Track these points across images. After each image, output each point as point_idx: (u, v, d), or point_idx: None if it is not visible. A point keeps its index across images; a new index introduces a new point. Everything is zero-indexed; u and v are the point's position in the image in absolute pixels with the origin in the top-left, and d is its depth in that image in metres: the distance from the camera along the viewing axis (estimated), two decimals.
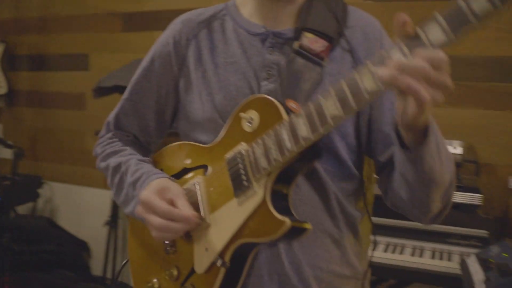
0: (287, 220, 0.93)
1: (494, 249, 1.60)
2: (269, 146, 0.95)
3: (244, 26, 1.15)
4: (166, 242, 1.15)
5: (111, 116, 1.29)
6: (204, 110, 1.14)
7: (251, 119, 1.02)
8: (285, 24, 1.14)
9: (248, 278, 1.07)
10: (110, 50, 3.48)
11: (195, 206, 1.07)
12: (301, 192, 1.07)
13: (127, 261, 1.31)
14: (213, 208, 1.07)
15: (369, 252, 1.23)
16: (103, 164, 1.25)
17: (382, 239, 2.26)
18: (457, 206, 2.14)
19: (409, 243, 2.24)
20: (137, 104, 1.24)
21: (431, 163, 0.90)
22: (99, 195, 3.65)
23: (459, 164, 2.27)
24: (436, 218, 1.05)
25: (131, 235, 1.29)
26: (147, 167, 1.18)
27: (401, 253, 2.19)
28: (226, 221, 1.03)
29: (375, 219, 2.08)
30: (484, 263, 1.54)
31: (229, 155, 1.05)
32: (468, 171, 2.35)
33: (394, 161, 1.06)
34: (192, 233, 1.10)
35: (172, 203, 1.04)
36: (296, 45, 1.08)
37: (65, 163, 3.79)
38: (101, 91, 2.89)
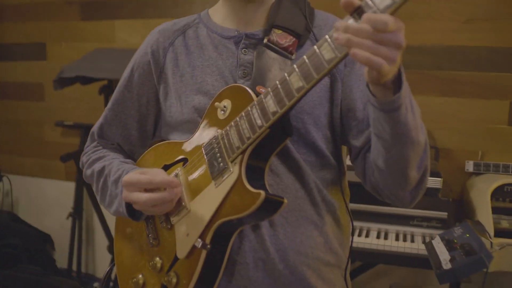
0: (262, 192, 0.97)
1: (457, 230, 1.69)
2: (242, 127, 1.01)
3: (217, 31, 1.21)
4: (149, 235, 1.18)
5: (95, 127, 1.34)
6: (183, 112, 1.18)
7: (224, 107, 1.08)
8: (257, 25, 1.20)
9: (233, 266, 1.11)
10: (68, 39, 3.41)
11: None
12: (282, 182, 1.12)
13: (113, 265, 1.34)
14: (193, 195, 1.10)
15: (349, 239, 1.27)
16: (89, 171, 1.30)
17: None
18: None
19: (374, 226, 2.33)
20: (120, 114, 1.28)
21: (406, 115, 0.92)
22: (60, 187, 3.60)
23: None
24: (415, 192, 1.08)
25: (117, 240, 1.32)
26: (129, 166, 1.21)
27: (367, 236, 2.27)
28: (205, 204, 1.06)
29: None
30: (448, 244, 1.63)
31: (205, 142, 1.10)
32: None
33: (369, 141, 1.11)
34: (173, 221, 1.13)
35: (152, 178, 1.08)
36: (265, 40, 1.14)
37: (24, 155, 3.70)
38: (63, 82, 2.84)
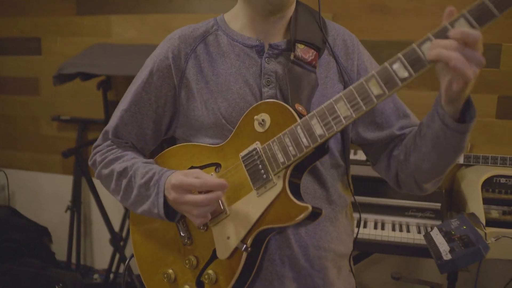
0: (309, 206, 1.09)
1: (454, 222, 1.79)
2: (286, 144, 1.11)
3: (238, 39, 1.27)
4: (183, 234, 1.25)
5: (110, 126, 1.36)
6: (210, 116, 1.24)
7: (262, 121, 1.15)
8: (277, 37, 1.28)
9: (261, 262, 1.22)
10: (64, 34, 3.41)
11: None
12: (302, 183, 1.21)
13: (132, 256, 1.40)
14: (230, 200, 1.19)
15: (355, 230, 1.42)
16: (105, 171, 1.33)
17: None
18: None
19: (372, 217, 2.43)
20: (136, 114, 1.32)
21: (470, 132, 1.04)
22: (57, 181, 3.63)
23: None
24: (438, 182, 1.22)
25: (135, 232, 1.38)
26: (156, 167, 1.26)
27: (364, 227, 2.37)
28: (247, 211, 1.15)
29: None
30: (447, 235, 1.73)
31: (243, 153, 1.18)
32: None
33: (393, 142, 1.26)
34: (210, 224, 1.22)
35: (198, 179, 1.14)
36: (292, 56, 1.22)
37: (21, 149, 3.71)
38: (63, 78, 2.86)
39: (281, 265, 1.23)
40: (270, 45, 1.25)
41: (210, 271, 1.20)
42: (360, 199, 2.39)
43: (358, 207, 1.38)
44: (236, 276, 1.16)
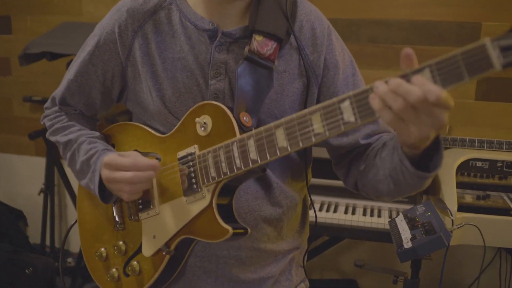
0: (230, 229, 1.04)
1: (420, 209, 1.73)
2: (220, 159, 1.04)
3: (191, 19, 1.15)
4: (117, 220, 1.23)
5: (57, 93, 1.31)
6: (154, 104, 1.17)
7: (204, 124, 1.08)
8: (233, 21, 1.15)
9: (188, 258, 1.18)
10: (34, 13, 3.31)
11: (146, 190, 1.15)
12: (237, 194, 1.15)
13: (74, 223, 1.38)
14: (162, 198, 1.15)
15: (307, 224, 1.34)
16: (53, 138, 1.31)
17: (317, 198, 2.38)
18: None
19: (343, 201, 2.37)
20: (83, 85, 1.26)
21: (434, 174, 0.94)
22: (31, 163, 3.56)
23: None
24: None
25: (81, 200, 1.35)
26: (100, 145, 1.22)
27: (335, 211, 2.32)
28: (174, 216, 1.12)
29: (311, 180, 2.19)
30: (410, 222, 1.67)
31: (181, 153, 1.12)
32: None
33: (357, 149, 1.16)
34: (141, 217, 1.19)
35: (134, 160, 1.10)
36: (246, 50, 1.10)
37: None
38: (29, 58, 2.77)
39: (209, 262, 1.19)
40: (223, 33, 1.12)
41: (135, 263, 1.20)
42: (332, 182, 2.33)
43: (310, 199, 1.30)
44: (158, 274, 1.17)
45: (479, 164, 2.42)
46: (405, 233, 1.62)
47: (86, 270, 1.33)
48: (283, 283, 1.27)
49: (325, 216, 2.26)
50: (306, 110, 0.91)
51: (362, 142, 1.16)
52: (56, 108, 1.32)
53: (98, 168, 1.15)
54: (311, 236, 2.83)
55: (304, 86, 1.16)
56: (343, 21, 2.76)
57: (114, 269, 1.24)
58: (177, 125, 1.14)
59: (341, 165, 1.22)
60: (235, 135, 1.03)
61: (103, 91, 1.26)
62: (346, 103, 0.85)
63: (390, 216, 2.24)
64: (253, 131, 0.99)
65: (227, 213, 1.08)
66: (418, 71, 0.78)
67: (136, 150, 1.21)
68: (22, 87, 3.46)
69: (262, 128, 0.98)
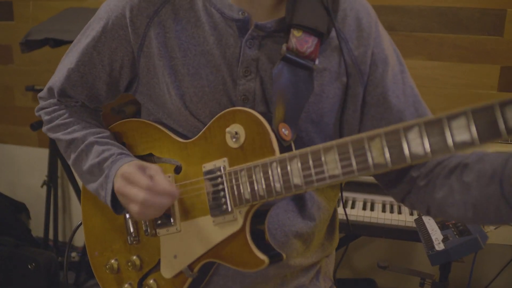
0: (266, 260, 0.92)
1: None
2: (256, 180, 0.90)
3: (217, 6, 1.00)
4: (131, 231, 1.10)
5: (55, 84, 1.15)
6: (173, 103, 1.03)
7: (236, 134, 0.94)
8: (267, 12, 1.00)
9: (211, 277, 1.07)
10: None
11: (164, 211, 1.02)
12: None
13: (80, 225, 1.25)
14: (184, 215, 1.02)
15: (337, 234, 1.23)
16: (52, 135, 1.16)
17: None
18: None
19: (361, 196, 2.26)
20: (86, 75, 1.11)
21: None
22: (33, 154, 3.47)
23: None
24: None
25: (86, 200, 1.22)
26: (114, 148, 1.09)
27: (352, 207, 2.21)
28: (200, 236, 1.00)
29: None
30: (441, 221, 1.56)
31: (207, 166, 0.99)
32: None
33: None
34: (159, 233, 1.07)
35: (152, 178, 0.96)
36: (283, 48, 0.96)
37: None
38: (30, 45, 2.67)
39: (233, 281, 1.07)
40: (256, 25, 0.97)
41: (151, 281, 1.09)
42: None
43: (345, 210, 1.24)
44: None
45: None
46: (435, 234, 1.51)
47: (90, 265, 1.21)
48: None
49: (341, 213, 2.15)
50: (363, 134, 0.78)
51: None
52: (54, 100, 1.18)
53: (112, 175, 1.02)
54: None
55: (345, 86, 1.01)
56: None
57: (127, 285, 1.12)
58: (202, 131, 1.00)
59: (399, 189, 1.06)
60: (273, 153, 0.89)
61: (109, 82, 1.12)
62: (415, 131, 0.73)
63: (411, 214, 2.13)
64: (297, 153, 0.86)
65: (259, 237, 0.96)
66: (454, 117, 0.71)
67: (151, 154, 1.08)
68: (24, 76, 3.36)
69: (308, 150, 0.85)
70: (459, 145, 0.70)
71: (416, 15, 2.58)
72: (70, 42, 2.86)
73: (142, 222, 1.08)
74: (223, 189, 0.95)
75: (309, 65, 0.96)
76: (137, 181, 0.95)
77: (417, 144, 0.73)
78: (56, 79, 1.15)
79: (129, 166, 1.00)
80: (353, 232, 2.25)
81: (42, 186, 3.21)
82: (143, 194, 0.93)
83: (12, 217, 3.22)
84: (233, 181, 0.94)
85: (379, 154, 0.76)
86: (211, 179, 0.98)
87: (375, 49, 1.01)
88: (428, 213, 1.01)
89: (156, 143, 1.08)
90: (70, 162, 1.15)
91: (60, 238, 3.45)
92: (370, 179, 2.19)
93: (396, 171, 1.04)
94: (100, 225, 1.18)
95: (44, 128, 1.19)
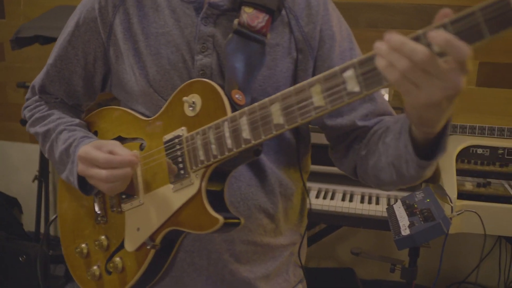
0: (220, 218, 0.95)
1: (418, 195, 1.69)
2: (210, 141, 0.95)
3: None
4: (98, 212, 1.14)
5: (36, 81, 1.23)
6: (138, 83, 1.10)
7: (193, 103, 0.99)
8: None
9: (177, 252, 1.09)
10: None
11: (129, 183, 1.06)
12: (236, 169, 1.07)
13: (55, 218, 1.30)
14: (147, 187, 1.06)
15: (304, 218, 1.25)
16: (32, 130, 1.23)
17: (314, 185, 2.33)
18: None
19: (340, 188, 2.32)
20: (63, 70, 1.18)
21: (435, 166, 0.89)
22: (25, 150, 3.51)
23: None
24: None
25: (61, 193, 1.27)
26: (79, 133, 1.15)
27: (332, 198, 2.27)
28: (160, 206, 1.03)
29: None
30: (409, 208, 1.62)
31: (167, 136, 1.03)
32: None
33: (355, 132, 1.08)
34: (124, 208, 1.10)
35: (111, 153, 1.02)
36: (235, 23, 1.03)
37: None
38: (20, 42, 2.71)
39: (198, 258, 1.10)
40: (209, 4, 1.04)
41: (117, 259, 1.11)
42: (328, 169, 2.27)
43: (307, 193, 1.23)
44: (142, 271, 1.07)
45: (479, 151, 2.37)
46: (403, 220, 1.57)
47: None
48: (281, 284, 1.19)
49: (322, 204, 2.22)
50: (304, 82, 0.83)
51: (360, 123, 1.08)
52: (36, 97, 1.24)
53: (76, 159, 1.07)
54: (308, 224, 2.79)
55: (295, 60, 1.08)
56: (341, 4, 2.67)
57: (95, 267, 1.15)
58: (164, 106, 1.06)
59: (337, 149, 1.14)
60: (226, 114, 0.95)
61: (84, 77, 1.19)
62: (350, 72, 0.77)
63: (389, 204, 2.19)
64: (246, 109, 0.91)
65: (218, 201, 0.99)
66: (435, 28, 0.69)
67: (120, 136, 1.14)
68: (16, 73, 3.41)
69: (256, 104, 0.90)
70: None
71: (398, 12, 2.64)
72: None
73: (109, 200, 1.13)
74: (181, 155, 1.00)
75: (260, 38, 1.03)
76: (95, 159, 1.01)
77: (353, 84, 0.78)
78: (38, 77, 1.23)
79: (86, 147, 1.05)
80: (330, 222, 2.31)
81: (33, 181, 3.26)
82: (104, 172, 0.99)
83: (5, 212, 3.27)
84: (190, 145, 0.98)
85: (319, 98, 0.81)
86: (170, 147, 1.02)
87: (323, 26, 1.08)
88: (375, 184, 1.06)
89: (123, 126, 1.13)
90: (46, 155, 1.20)
91: (52, 232, 3.50)
92: None
93: (342, 147, 1.12)
94: (73, 214, 1.22)
95: (27, 125, 1.25)
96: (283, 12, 1.07)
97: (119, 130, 1.14)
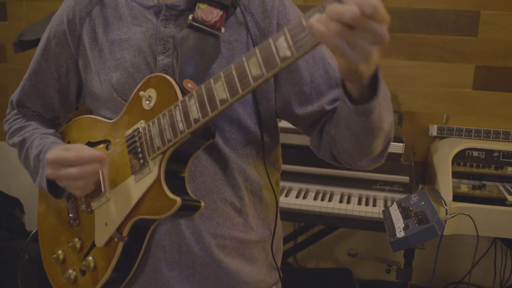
0: (178, 199, 0.97)
1: (414, 198, 1.72)
2: (164, 126, 0.99)
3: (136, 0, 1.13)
4: (71, 215, 1.18)
5: (14, 95, 1.29)
6: (103, 89, 1.14)
7: (149, 97, 1.04)
8: None
9: (149, 248, 1.12)
10: None
11: (97, 181, 1.10)
12: (200, 163, 1.11)
13: (36, 231, 1.33)
14: (113, 183, 1.10)
15: (275, 213, 1.26)
16: (10, 141, 1.28)
17: (312, 187, 2.36)
18: None
19: (338, 190, 2.36)
20: (38, 84, 1.23)
21: (381, 113, 0.92)
22: None
23: None
24: (377, 159, 1.09)
25: (41, 203, 1.30)
26: (50, 139, 1.19)
27: (330, 200, 2.31)
28: (124, 197, 1.06)
29: (306, 169, 2.14)
30: (404, 211, 1.65)
31: (128, 131, 1.07)
32: None
33: (325, 116, 1.11)
34: (93, 207, 1.13)
35: (79, 152, 1.06)
36: (189, 18, 1.08)
37: None
38: (23, 45, 2.75)
39: (170, 252, 1.13)
40: (167, 6, 1.09)
41: (90, 258, 1.13)
42: (326, 171, 2.32)
43: (277, 187, 1.24)
44: (112, 266, 1.08)
45: (475, 153, 2.41)
46: (398, 222, 1.61)
47: None
48: (256, 284, 1.22)
49: (320, 205, 2.25)
50: (242, 57, 0.87)
51: (328, 108, 1.11)
52: (15, 111, 1.30)
53: (46, 163, 1.10)
54: (306, 225, 2.83)
55: None
56: None
57: (70, 270, 1.16)
58: (125, 106, 1.10)
59: (313, 136, 1.17)
60: (177, 100, 0.99)
61: (59, 89, 1.23)
62: (281, 40, 0.81)
63: (386, 206, 2.23)
64: (194, 91, 0.95)
65: (179, 187, 1.02)
66: None
67: (89, 142, 1.18)
68: (17, 74, 3.39)
69: (202, 85, 0.94)
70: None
71: (394, 16, 2.68)
72: None
73: (80, 203, 1.16)
74: (140, 145, 1.04)
75: (214, 32, 1.07)
76: (65, 159, 1.05)
77: (284, 48, 0.81)
78: (16, 91, 1.28)
79: (54, 151, 1.09)
80: (328, 224, 2.35)
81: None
82: (74, 169, 1.04)
83: (7, 212, 3.30)
84: (147, 134, 1.02)
85: (256, 68, 0.85)
86: (130, 140, 1.06)
87: (280, 20, 1.11)
88: (349, 159, 1.08)
89: (91, 131, 1.18)
90: (23, 165, 1.24)
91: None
92: (347, 173, 2.30)
93: (316, 133, 1.15)
94: (50, 225, 1.26)
95: (6, 139, 1.30)
96: (238, 10, 1.11)
97: (88, 137, 1.18)
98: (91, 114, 1.23)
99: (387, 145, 1.06)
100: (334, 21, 0.73)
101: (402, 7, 2.65)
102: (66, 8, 1.17)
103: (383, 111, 0.93)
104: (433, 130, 2.64)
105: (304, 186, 2.36)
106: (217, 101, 0.91)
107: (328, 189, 2.37)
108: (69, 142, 1.24)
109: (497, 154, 2.39)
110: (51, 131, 1.24)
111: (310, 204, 2.25)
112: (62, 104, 1.27)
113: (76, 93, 1.25)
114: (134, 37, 1.12)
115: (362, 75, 0.80)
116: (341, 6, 0.73)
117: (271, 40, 0.82)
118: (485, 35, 2.61)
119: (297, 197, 2.29)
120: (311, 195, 2.33)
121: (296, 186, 2.36)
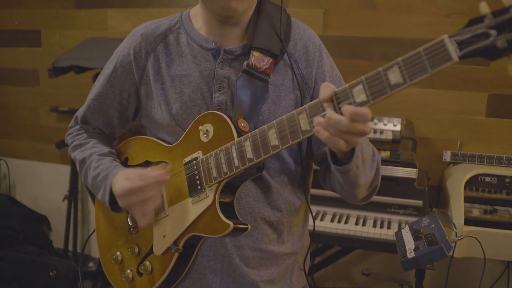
0: (231, 224, 1.15)
1: (425, 221, 1.81)
2: (221, 160, 1.16)
3: (196, 40, 1.30)
4: (130, 224, 1.35)
5: (79, 112, 1.45)
6: (163, 117, 1.30)
7: (207, 131, 1.21)
8: (234, 41, 1.29)
9: (196, 257, 1.30)
10: (62, 27, 3.47)
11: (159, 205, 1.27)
12: (245, 187, 1.27)
13: (93, 232, 1.51)
14: (171, 202, 1.28)
15: (306, 230, 1.46)
16: (72, 154, 1.44)
17: (330, 210, 2.46)
18: (396, 179, 2.36)
19: (354, 213, 2.45)
20: (102, 104, 1.40)
21: (356, 173, 1.13)
22: (56, 170, 3.71)
23: (398, 140, 2.49)
24: (364, 200, 1.29)
25: (98, 211, 1.48)
26: (104, 164, 1.34)
27: (346, 222, 2.40)
28: (182, 216, 1.24)
29: (324, 192, 2.25)
30: (415, 233, 1.75)
31: (187, 159, 1.25)
32: (407, 146, 2.56)
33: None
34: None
35: (141, 177, 1.22)
36: (244, 64, 1.24)
37: (21, 139, 3.80)
38: (57, 71, 2.91)
39: (214, 261, 1.30)
40: (225, 50, 1.26)
41: (147, 262, 1.31)
42: None
43: (309, 208, 1.42)
44: (168, 272, 1.27)
45: (487, 179, 2.48)
46: (409, 244, 1.70)
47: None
48: None
49: (336, 227, 2.35)
50: (293, 111, 1.04)
51: None
52: (78, 126, 1.46)
53: (108, 189, 1.27)
54: (323, 246, 2.90)
55: (298, 98, 1.29)
56: (356, 39, 2.86)
57: (128, 270, 1.35)
58: (183, 134, 1.26)
59: (321, 170, 1.35)
60: (233, 139, 1.15)
61: (120, 110, 1.40)
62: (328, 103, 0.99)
63: (399, 228, 2.31)
64: (249, 134, 1.11)
65: (229, 211, 1.19)
66: (389, 68, 0.91)
67: (147, 161, 1.35)
68: (49, 98, 3.62)
69: (256, 130, 1.10)
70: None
71: (409, 46, 2.77)
72: (93, 69, 3.12)
73: None
74: (198, 173, 1.21)
75: (264, 78, 1.24)
76: (137, 188, 1.20)
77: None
78: (81, 109, 1.45)
79: (120, 186, 1.23)
80: (344, 245, 2.43)
81: (63, 200, 3.44)
82: (143, 193, 1.20)
83: (35, 228, 3.43)
84: (205, 165, 1.19)
85: (305, 123, 1.02)
86: (189, 167, 1.23)
87: (317, 70, 1.29)
88: (347, 200, 1.31)
89: (150, 152, 1.35)
90: (83, 179, 1.41)
91: (79, 249, 3.64)
92: None
93: (324, 169, 1.34)
94: (108, 228, 1.43)
95: (68, 149, 1.47)
96: (285, 56, 1.28)
97: (146, 156, 1.36)
98: (149, 134, 1.40)
99: (372, 191, 1.27)
100: (331, 126, 0.95)
101: (417, 37, 2.76)
102: (132, 43, 1.33)
103: (359, 172, 1.13)
104: (447, 156, 2.73)
105: (322, 208, 2.47)
106: (270, 147, 1.08)
107: (345, 211, 2.47)
108: (126, 159, 1.41)
109: (509, 180, 2.46)
110: (106, 150, 1.40)
111: (327, 226, 2.36)
112: (121, 121, 1.43)
113: (133, 113, 1.42)
114: (193, 74, 1.28)
115: (346, 150, 1.03)
116: (337, 116, 0.94)
117: (319, 101, 1.01)
118: (498, 65, 2.68)
119: (314, 219, 2.38)
120: (328, 217, 2.43)
121: (314, 208, 2.47)
